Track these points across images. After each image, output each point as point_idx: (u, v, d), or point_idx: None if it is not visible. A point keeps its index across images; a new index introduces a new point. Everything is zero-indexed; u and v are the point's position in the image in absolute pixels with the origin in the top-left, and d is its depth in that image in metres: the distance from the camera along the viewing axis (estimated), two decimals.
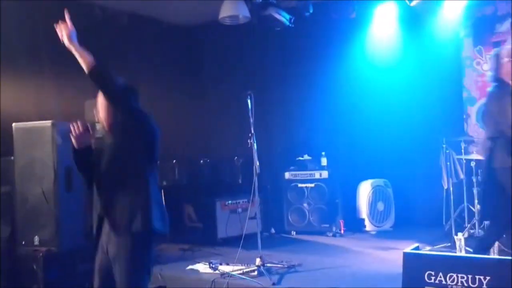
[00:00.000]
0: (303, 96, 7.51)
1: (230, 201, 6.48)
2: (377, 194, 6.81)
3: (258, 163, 4.83)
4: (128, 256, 2.85)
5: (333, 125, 7.14)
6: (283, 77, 7.67)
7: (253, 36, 7.40)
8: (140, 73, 6.84)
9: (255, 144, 4.92)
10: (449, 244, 5.29)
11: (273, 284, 4.30)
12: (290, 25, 6.73)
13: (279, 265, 4.85)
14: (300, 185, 6.93)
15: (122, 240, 2.87)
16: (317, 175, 6.86)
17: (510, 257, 3.00)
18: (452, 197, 5.78)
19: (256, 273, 4.61)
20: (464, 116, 6.89)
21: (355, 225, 6.75)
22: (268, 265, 4.75)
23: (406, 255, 3.30)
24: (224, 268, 4.79)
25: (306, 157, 7.05)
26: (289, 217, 6.94)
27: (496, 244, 4.89)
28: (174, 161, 6.76)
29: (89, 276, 3.18)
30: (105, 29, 6.63)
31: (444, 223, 6.04)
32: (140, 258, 2.89)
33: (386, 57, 7.01)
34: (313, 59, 7.31)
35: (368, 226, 6.70)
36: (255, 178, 4.88)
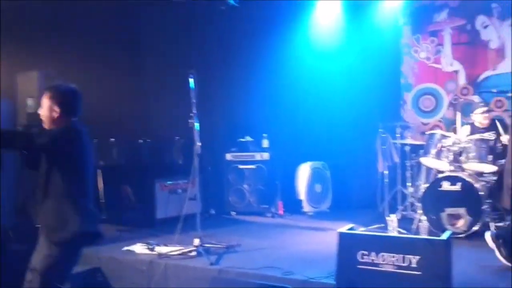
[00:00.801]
0: (245, 77, 7.47)
1: (169, 182, 6.38)
2: (315, 176, 6.94)
3: (199, 144, 4.77)
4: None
5: (275, 108, 7.17)
6: (226, 57, 7.58)
7: (196, 14, 7.24)
8: (75, 49, 6.51)
9: (196, 125, 4.84)
10: (383, 225, 5.48)
11: (211, 264, 4.29)
12: (235, 4, 6.64)
13: (217, 246, 4.84)
14: (240, 166, 6.94)
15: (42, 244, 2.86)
16: (258, 157, 6.89)
17: (438, 237, 3.14)
18: (386, 180, 6.00)
19: (194, 253, 4.58)
20: (401, 102, 7.13)
21: (293, 206, 6.86)
22: (207, 245, 4.73)
23: (340, 235, 3.38)
24: (161, 249, 4.73)
25: (247, 138, 7.06)
26: (229, 198, 6.95)
27: (426, 224, 5.13)
28: (112, 140, 6.56)
29: (20, 255, 3.07)
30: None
31: (378, 204, 6.26)
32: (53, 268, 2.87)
33: (328, 42, 7.09)
34: (256, 41, 7.27)
35: (306, 207, 6.83)
36: (196, 159, 4.82)
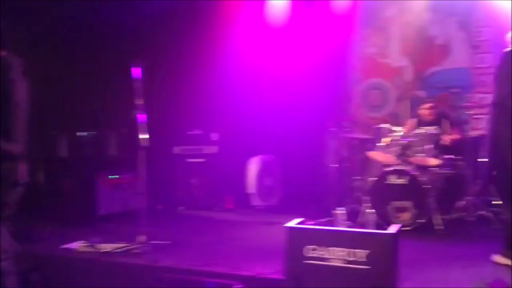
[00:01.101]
0: (195, 69, 7.29)
1: (113, 176, 6.12)
2: (265, 170, 6.87)
3: (145, 136, 4.57)
4: None
5: (225, 100, 7.04)
6: (174, 48, 7.35)
7: (144, 5, 6.96)
8: (16, 41, 6.11)
9: (142, 116, 4.64)
10: (332, 218, 5.47)
11: (156, 262, 4.12)
12: None
13: (163, 242, 4.67)
14: (188, 160, 6.77)
15: None
16: (206, 150, 6.74)
17: (387, 231, 3.12)
18: (335, 174, 6.00)
19: (138, 250, 4.39)
20: (349, 97, 7.17)
21: (243, 201, 6.76)
22: (152, 242, 4.55)
23: (288, 230, 3.30)
24: (104, 246, 4.50)
25: (196, 131, 6.89)
26: (177, 193, 6.76)
27: (373, 217, 5.17)
28: (53, 132, 6.22)
29: None
30: None
31: (328, 198, 6.25)
32: None
33: (278, 36, 7.02)
34: (204, 34, 7.09)
35: (256, 201, 6.75)
36: (141, 152, 4.62)
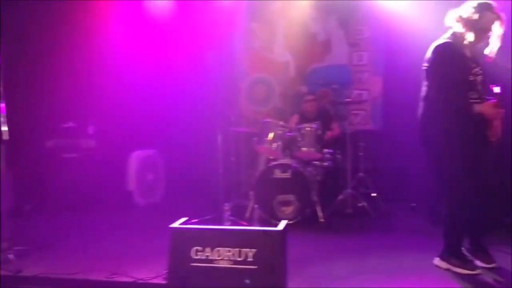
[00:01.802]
0: (69, 56, 6.68)
1: None
2: (147, 165, 6.54)
3: (4, 129, 4.03)
4: None
5: (103, 91, 6.53)
6: (47, 39, 6.66)
7: None
8: None
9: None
10: (217, 215, 5.33)
11: (18, 272, 3.64)
12: None
13: (30, 248, 4.17)
14: (63, 154, 6.19)
15: None
16: (82, 144, 6.22)
17: (274, 228, 3.04)
18: (222, 169, 5.85)
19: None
20: (236, 91, 7.08)
21: (123, 198, 6.35)
22: (17, 249, 4.04)
23: (172, 231, 3.09)
24: None
25: (70, 124, 6.32)
26: (51, 191, 6.14)
27: (258, 212, 5.13)
28: None
29: None
30: None
31: (214, 194, 6.09)
32: None
33: (165, 27, 6.71)
34: (79, 23, 6.52)
35: (137, 199, 6.39)
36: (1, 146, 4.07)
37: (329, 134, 5.84)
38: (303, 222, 5.10)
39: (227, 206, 5.07)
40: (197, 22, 6.78)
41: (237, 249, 2.98)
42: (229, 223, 4.91)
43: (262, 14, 6.93)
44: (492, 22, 3.52)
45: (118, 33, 6.54)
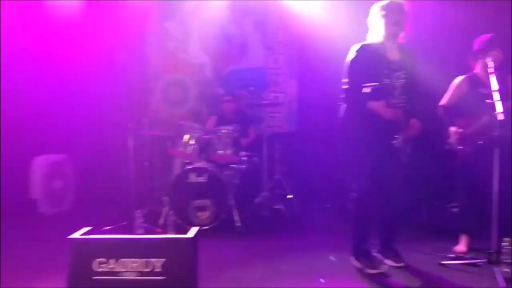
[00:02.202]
0: None
1: None
2: (54, 172, 6.10)
3: None
4: None
5: (3, 91, 6.02)
6: None
7: None
8: None
9: None
10: (129, 223, 5.07)
11: None
12: None
13: None
14: None
15: None
16: None
17: (184, 236, 2.89)
18: (135, 174, 5.59)
19: None
20: (149, 92, 6.82)
21: (26, 207, 5.86)
22: None
23: (72, 242, 2.84)
24: None
25: None
26: None
27: (173, 219, 4.94)
28: None
29: None
30: None
31: (125, 200, 5.81)
32: None
33: (70, 29, 6.32)
34: None
35: (43, 207, 5.94)
36: None
37: (244, 141, 5.76)
38: (220, 227, 5.00)
39: (139, 213, 4.83)
40: (107, 21, 6.44)
41: (143, 259, 2.80)
42: (142, 230, 4.68)
43: (176, 14, 6.73)
44: (397, 19, 3.52)
45: (22, 33, 6.06)
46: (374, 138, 3.58)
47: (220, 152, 5.30)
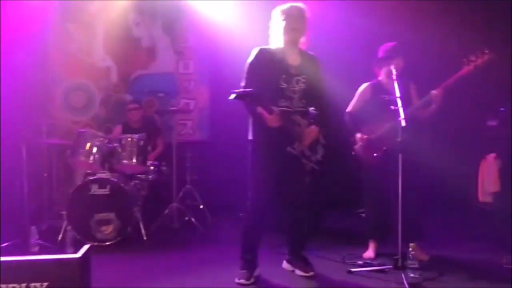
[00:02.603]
0: None
1: None
2: None
3: None
4: None
5: None
6: None
7: None
8: None
9: None
10: (24, 241, 4.60)
11: None
12: None
13: None
14: None
15: None
16: None
17: (70, 256, 2.59)
18: (32, 186, 5.11)
19: None
20: (49, 98, 6.33)
21: None
22: None
23: None
24: None
25: None
26: None
27: (72, 234, 4.55)
28: None
29: None
30: None
31: (21, 216, 5.30)
32: None
33: None
34: None
35: None
36: None
37: (152, 155, 5.49)
38: (126, 241, 4.70)
39: (34, 229, 4.41)
40: (2, 20, 5.89)
41: (24, 284, 2.47)
42: (37, 248, 4.27)
43: (79, 15, 6.31)
44: (296, 25, 3.47)
45: None
46: (267, 144, 3.50)
47: (125, 161, 4.99)
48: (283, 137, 3.47)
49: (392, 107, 3.62)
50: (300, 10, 3.49)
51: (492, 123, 5.90)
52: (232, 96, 3.19)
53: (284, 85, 3.48)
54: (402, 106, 3.56)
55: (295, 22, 3.46)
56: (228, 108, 6.13)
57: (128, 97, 6.32)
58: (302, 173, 3.62)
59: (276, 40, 3.52)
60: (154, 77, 6.45)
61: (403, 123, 3.48)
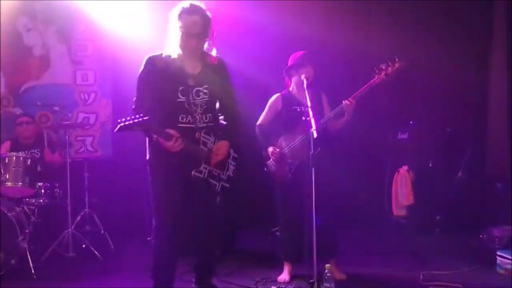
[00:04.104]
0: None
1: None
2: None
3: None
4: None
5: None
6: None
7: None
8: None
9: None
10: None
11: None
12: None
13: None
14: None
15: None
16: None
17: None
18: None
19: None
20: None
21: None
22: None
23: None
24: None
25: None
26: None
27: None
28: None
29: None
30: None
31: None
32: None
33: None
34: None
35: None
36: None
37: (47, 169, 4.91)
38: (10, 275, 4.12)
39: None
40: None
41: None
42: None
43: None
44: (193, 30, 2.99)
45: None
46: (166, 167, 3.09)
47: (9, 184, 4.44)
48: (186, 159, 3.07)
49: (304, 118, 3.39)
50: (199, 11, 3.02)
51: (403, 136, 5.95)
52: (117, 128, 2.85)
53: (183, 98, 3.06)
54: (313, 116, 3.34)
55: (193, 27, 3.00)
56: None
57: (17, 111, 5.66)
58: (211, 194, 3.27)
59: (172, 47, 3.07)
60: (48, 88, 5.87)
61: (315, 134, 3.25)
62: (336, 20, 5.77)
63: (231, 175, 3.29)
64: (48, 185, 4.77)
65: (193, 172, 3.10)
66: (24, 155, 4.54)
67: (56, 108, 5.39)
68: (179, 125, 3.04)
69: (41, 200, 4.71)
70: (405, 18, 5.77)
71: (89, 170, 5.27)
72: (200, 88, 3.09)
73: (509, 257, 3.91)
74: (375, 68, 3.77)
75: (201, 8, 3.04)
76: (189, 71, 3.10)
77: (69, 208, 4.81)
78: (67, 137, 4.96)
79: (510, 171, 5.15)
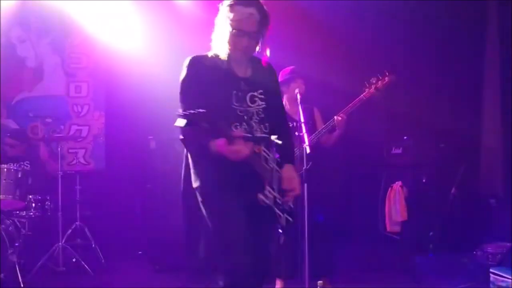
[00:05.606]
0: None
1: None
2: None
3: None
4: None
5: None
6: None
7: None
8: None
9: None
10: None
11: None
12: None
13: None
14: None
15: None
16: None
17: None
18: None
19: None
20: None
21: None
22: None
23: None
24: None
25: None
26: None
27: None
28: None
29: None
30: None
31: None
32: None
33: None
34: None
35: None
36: None
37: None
38: None
39: None
40: None
41: None
42: None
43: None
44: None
45: None
46: (226, 190, 2.40)
47: (0, 196, 4.35)
48: (249, 178, 2.39)
49: (297, 134, 3.37)
50: (256, 3, 2.44)
51: (397, 151, 5.92)
52: (181, 122, 2.09)
53: (237, 105, 2.46)
54: (306, 132, 3.31)
55: (248, 21, 2.40)
56: (126, 135, 5.73)
57: (12, 124, 5.62)
58: (274, 228, 2.56)
59: (220, 46, 2.47)
60: (41, 100, 5.83)
61: (308, 150, 3.23)
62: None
63: (292, 206, 2.59)
64: (39, 197, 4.71)
65: (259, 195, 2.39)
66: (15, 168, 4.49)
67: (49, 120, 5.37)
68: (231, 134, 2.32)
69: (32, 213, 4.64)
70: (398, 33, 5.76)
71: (81, 183, 5.23)
72: (255, 94, 2.51)
73: (503, 274, 3.87)
74: (365, 82, 3.77)
75: (260, 2, 2.47)
76: (240, 74, 2.52)
77: (60, 221, 4.78)
78: (59, 149, 4.94)
79: (503, 187, 5.14)
